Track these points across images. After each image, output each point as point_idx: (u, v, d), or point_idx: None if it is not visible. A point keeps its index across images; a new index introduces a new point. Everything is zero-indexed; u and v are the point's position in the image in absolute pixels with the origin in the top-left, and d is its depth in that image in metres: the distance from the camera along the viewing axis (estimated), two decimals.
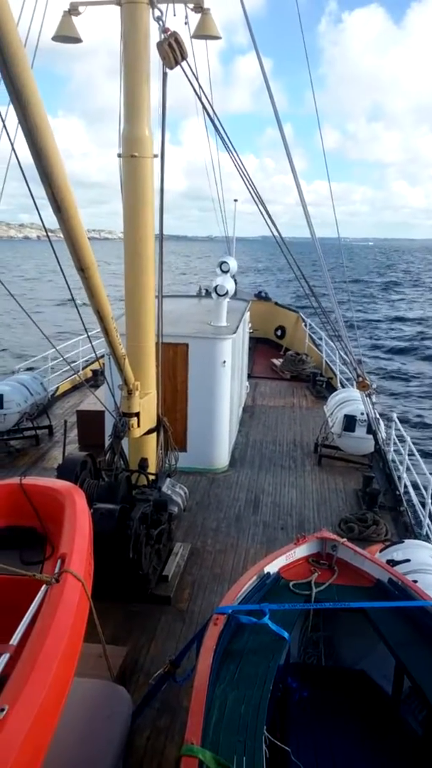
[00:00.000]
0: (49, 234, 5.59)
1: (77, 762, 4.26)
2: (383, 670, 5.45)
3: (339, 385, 17.43)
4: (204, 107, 6.31)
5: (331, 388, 17.40)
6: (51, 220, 5.32)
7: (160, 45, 5.61)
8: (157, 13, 5.81)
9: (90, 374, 18.00)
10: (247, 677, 4.38)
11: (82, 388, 17.18)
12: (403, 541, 7.48)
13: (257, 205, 7.48)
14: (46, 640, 3.77)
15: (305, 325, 22.38)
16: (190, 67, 5.77)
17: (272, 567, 5.69)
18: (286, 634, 4.82)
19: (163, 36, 5.59)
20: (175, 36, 5.51)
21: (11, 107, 4.06)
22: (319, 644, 5.92)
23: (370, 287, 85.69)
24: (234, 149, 7.09)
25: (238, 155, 7.15)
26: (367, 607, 5.24)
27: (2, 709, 3.18)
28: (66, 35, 7.63)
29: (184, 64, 5.81)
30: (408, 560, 6.75)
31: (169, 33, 5.52)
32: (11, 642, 3.86)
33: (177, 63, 5.64)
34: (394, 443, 12.47)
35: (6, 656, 3.74)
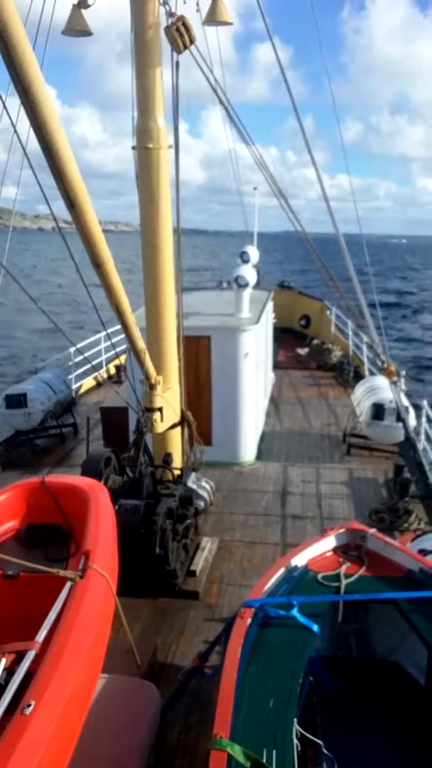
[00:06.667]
0: (64, 226, 5.53)
1: (106, 757, 4.25)
2: (416, 661, 5.34)
3: (367, 373, 17.17)
4: (217, 94, 6.23)
5: (359, 377, 17.16)
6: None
7: (167, 29, 5.56)
8: None
9: (113, 371, 18.04)
10: (275, 670, 4.31)
11: (105, 385, 17.22)
12: None
13: (276, 196, 7.39)
14: (71, 636, 3.75)
15: (330, 314, 22.14)
16: (200, 52, 5.70)
17: (300, 559, 5.61)
18: (314, 627, 4.74)
19: (170, 20, 5.53)
20: (182, 20, 5.45)
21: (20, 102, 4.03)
22: (350, 636, 5.82)
23: None
24: (250, 138, 7.01)
25: (254, 143, 7.06)
26: (398, 597, 5.13)
27: (29, 705, 3.16)
28: (76, 29, 7.58)
29: (193, 49, 5.75)
30: None
31: (176, 17, 5.47)
32: (37, 639, 3.85)
33: (185, 47, 5.59)
34: (425, 430, 12.25)
35: (32, 653, 3.73)
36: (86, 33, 7.67)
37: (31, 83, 3.78)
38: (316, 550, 5.77)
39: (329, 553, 5.82)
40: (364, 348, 17.99)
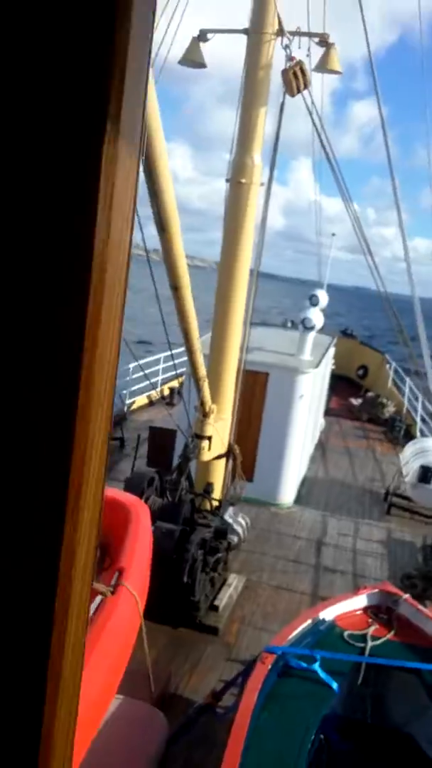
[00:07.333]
0: (138, 254, 5.66)
1: None
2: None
3: (418, 433, 16.87)
4: (320, 138, 6.34)
5: (409, 436, 16.86)
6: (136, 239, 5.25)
7: (285, 72, 5.71)
8: (285, 41, 5.91)
9: (167, 392, 18.16)
10: (289, 723, 4.23)
11: (158, 405, 17.34)
12: None
13: (363, 252, 7.42)
14: (93, 651, 3.74)
15: (389, 368, 21.89)
16: (311, 97, 5.84)
17: (328, 613, 5.50)
18: (335, 685, 4.63)
19: (289, 64, 5.68)
20: (300, 64, 5.60)
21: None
22: (367, 699, 5.64)
23: None
24: (348, 193, 7.08)
25: (350, 198, 7.13)
26: (423, 668, 4.98)
27: None
28: (192, 60, 7.85)
29: (305, 94, 5.89)
30: None
31: (294, 61, 5.61)
32: None
33: (299, 91, 5.73)
34: None
35: None
36: (201, 65, 7.93)
37: (146, 109, 3.90)
38: (346, 607, 5.66)
39: (359, 612, 5.69)
40: (419, 407, 17.69)
